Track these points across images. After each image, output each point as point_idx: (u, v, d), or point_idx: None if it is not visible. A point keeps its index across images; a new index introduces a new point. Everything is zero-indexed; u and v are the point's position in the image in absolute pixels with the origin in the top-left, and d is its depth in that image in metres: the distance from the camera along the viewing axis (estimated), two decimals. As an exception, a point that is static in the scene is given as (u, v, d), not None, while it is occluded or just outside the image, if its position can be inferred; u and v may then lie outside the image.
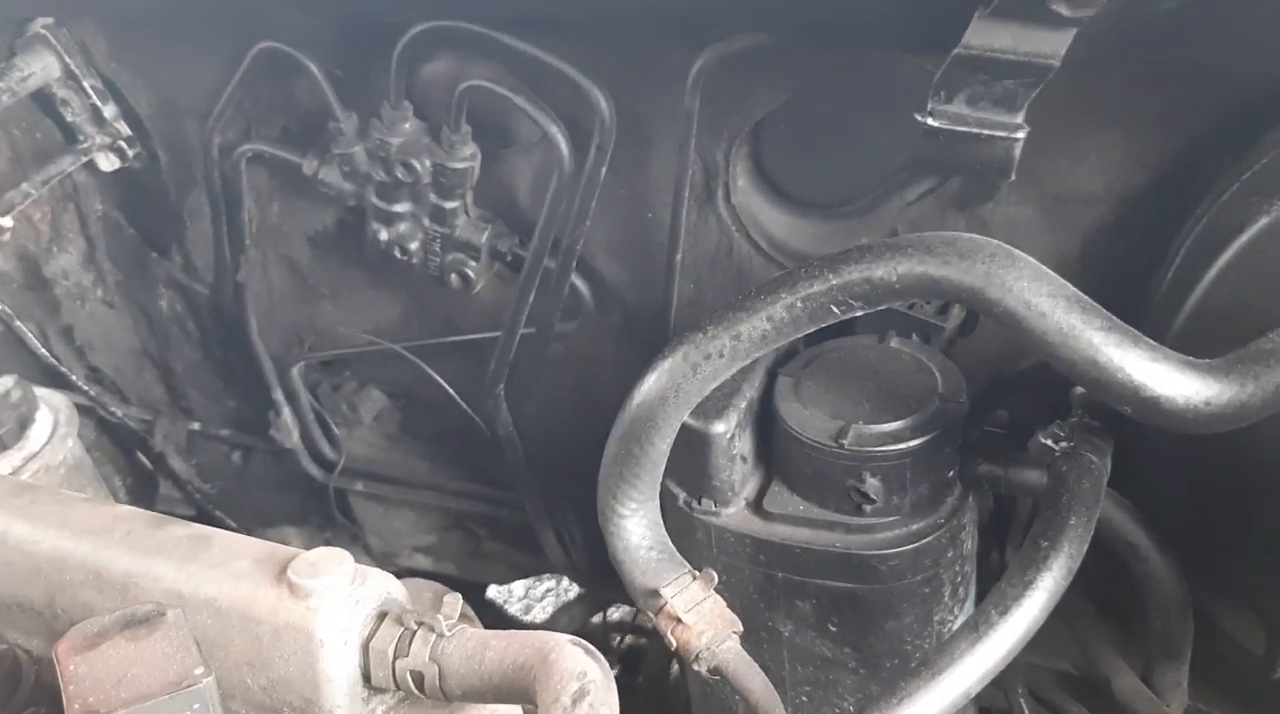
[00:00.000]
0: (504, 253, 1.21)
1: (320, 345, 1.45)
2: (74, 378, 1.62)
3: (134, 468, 1.71)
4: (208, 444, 1.65)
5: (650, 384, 0.80)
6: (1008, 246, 0.76)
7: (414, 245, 1.22)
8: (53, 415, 1.44)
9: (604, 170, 1.12)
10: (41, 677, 0.84)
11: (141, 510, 0.89)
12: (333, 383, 1.51)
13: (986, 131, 0.83)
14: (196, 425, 1.64)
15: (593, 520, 0.91)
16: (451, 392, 1.33)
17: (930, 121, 0.83)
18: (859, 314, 0.77)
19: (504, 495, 1.46)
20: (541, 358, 1.27)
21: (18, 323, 1.61)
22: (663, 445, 0.83)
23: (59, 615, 0.86)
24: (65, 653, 0.73)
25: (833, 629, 0.97)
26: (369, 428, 1.54)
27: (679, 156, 1.11)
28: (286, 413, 1.51)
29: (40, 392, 1.49)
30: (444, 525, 1.56)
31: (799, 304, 0.77)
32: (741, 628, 0.83)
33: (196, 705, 0.69)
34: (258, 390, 1.52)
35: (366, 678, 0.79)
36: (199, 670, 0.71)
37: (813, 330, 0.79)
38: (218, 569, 0.82)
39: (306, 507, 1.64)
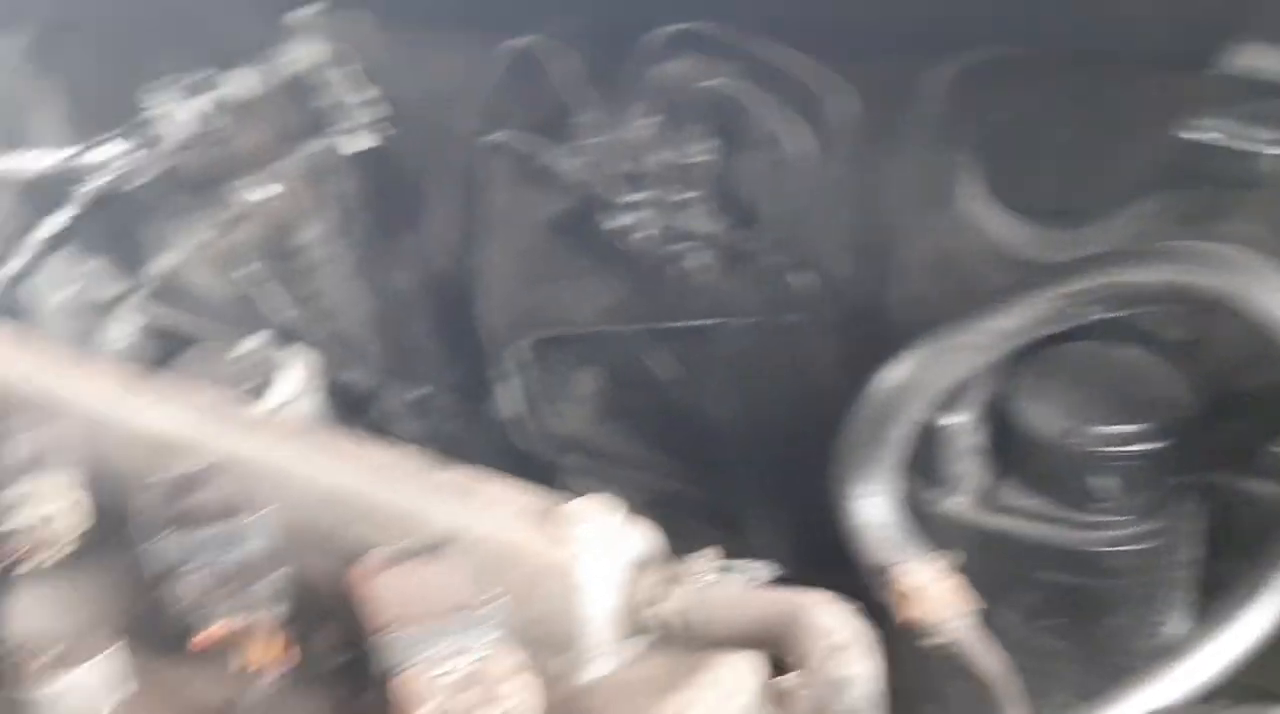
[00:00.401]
0: (732, 245, 1.27)
1: (544, 325, 1.54)
2: (312, 339, 1.75)
3: (362, 429, 1.84)
4: (432, 411, 1.76)
5: (901, 369, 0.85)
6: (1260, 257, 0.78)
7: (645, 234, 1.29)
8: (299, 373, 1.57)
9: (836, 169, 1.17)
10: (325, 600, 0.94)
11: (415, 457, 0.98)
12: (552, 361, 1.60)
13: (1247, 147, 0.85)
14: (423, 393, 1.75)
15: (799, 508, 0.96)
16: (666, 373, 1.39)
17: (1191, 135, 0.86)
18: (1110, 316, 0.80)
19: (712, 478, 1.52)
20: (760, 349, 1.32)
21: (265, 286, 1.76)
22: (904, 429, 0.88)
23: (338, 548, 0.95)
24: (362, 576, 0.82)
25: (1053, 623, 0.99)
26: (584, 405, 1.62)
27: (912, 159, 1.15)
28: (507, 386, 1.60)
29: (286, 350, 1.63)
30: (649, 503, 1.63)
31: (1054, 303, 0.80)
32: (974, 607, 0.87)
33: (487, 623, 0.77)
34: (482, 363, 1.61)
35: (622, 621, 0.86)
36: (489, 595, 0.78)
37: (1063, 329, 0.82)
38: (488, 512, 0.89)
39: (519, 476, 1.73)
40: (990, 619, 1.03)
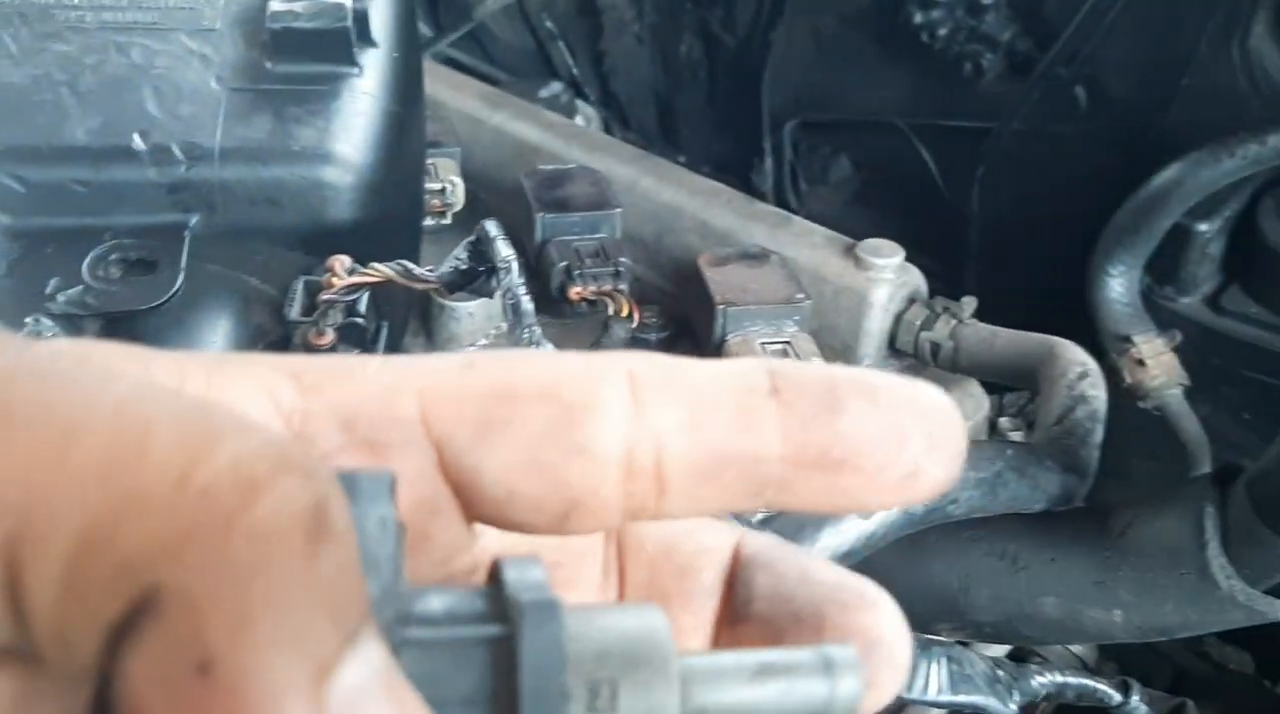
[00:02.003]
0: (1020, 51, 1.40)
1: (816, 109, 1.69)
2: (591, 96, 1.95)
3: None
4: (692, 176, 1.95)
5: (1175, 168, 0.99)
6: None
7: (942, 31, 1.42)
8: (586, 122, 1.77)
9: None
10: (645, 292, 1.15)
11: (735, 190, 1.18)
12: (812, 144, 1.76)
13: None
14: (682, 159, 1.93)
15: (1021, 308, 1.11)
16: (933, 165, 1.54)
17: None
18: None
19: (939, 271, 1.67)
20: (1024, 154, 1.46)
21: (559, 42, 1.95)
22: (1166, 223, 1.02)
23: (663, 250, 1.16)
24: (705, 263, 1.02)
25: (1246, 417, 1.15)
26: (830, 189, 1.78)
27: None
28: (769, 162, 1.77)
29: (578, 101, 1.82)
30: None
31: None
32: (1187, 382, 1.03)
33: (797, 317, 0.97)
34: (746, 139, 1.78)
35: (892, 342, 1.05)
36: (801, 295, 0.98)
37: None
38: (798, 238, 1.09)
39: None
40: (1197, 408, 1.19)
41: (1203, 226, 1.10)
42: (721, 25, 1.72)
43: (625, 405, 0.28)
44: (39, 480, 0.21)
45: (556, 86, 1.81)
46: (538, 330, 0.64)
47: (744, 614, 0.29)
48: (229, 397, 0.27)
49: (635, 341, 1.06)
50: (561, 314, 1.05)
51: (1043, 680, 0.63)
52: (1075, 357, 0.92)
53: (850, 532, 0.64)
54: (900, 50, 1.51)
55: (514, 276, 0.64)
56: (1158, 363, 1.03)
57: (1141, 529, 0.68)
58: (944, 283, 1.72)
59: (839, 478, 0.28)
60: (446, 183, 1.14)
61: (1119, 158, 1.41)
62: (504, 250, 0.66)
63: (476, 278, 0.70)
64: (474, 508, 0.28)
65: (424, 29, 2.05)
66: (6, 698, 0.22)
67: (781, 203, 1.82)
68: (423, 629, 0.24)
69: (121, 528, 0.20)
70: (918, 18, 1.40)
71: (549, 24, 1.93)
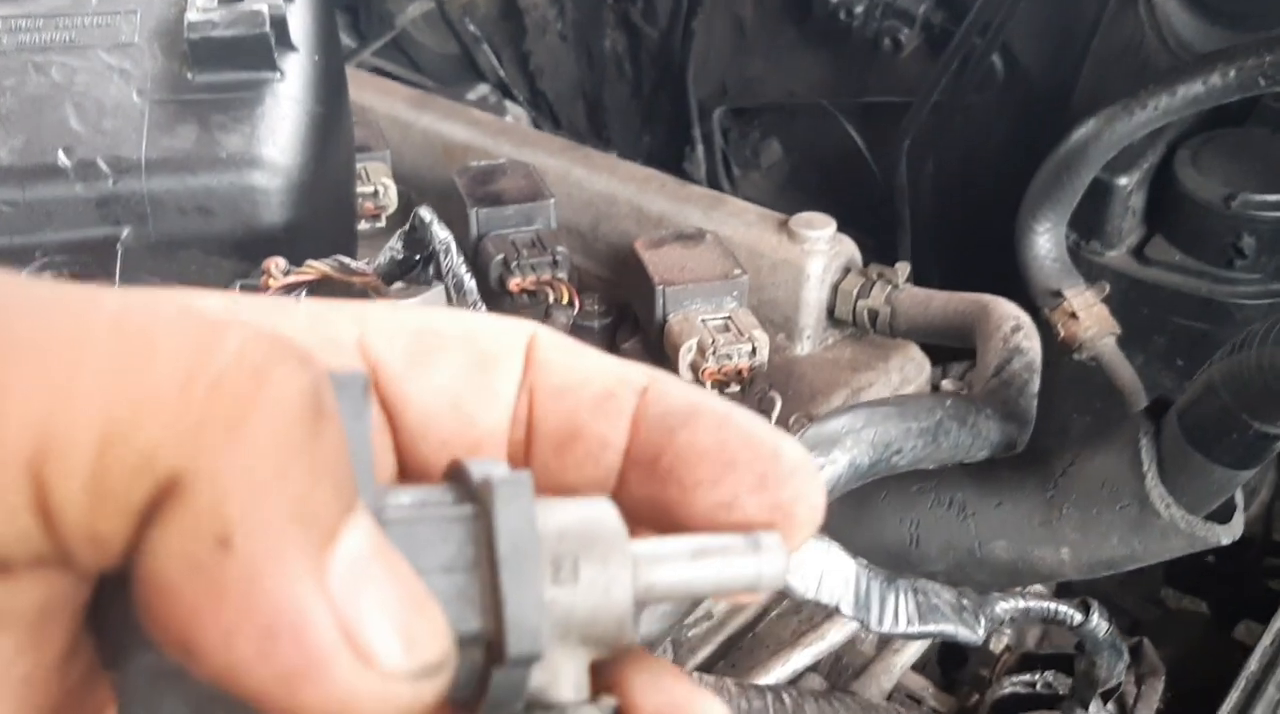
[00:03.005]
0: (935, 25, 1.42)
1: (742, 95, 1.71)
2: (519, 98, 1.95)
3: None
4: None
5: (1091, 124, 1.01)
6: None
7: (859, 9, 1.45)
8: (516, 122, 1.77)
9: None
10: (584, 280, 1.16)
11: (667, 174, 1.19)
12: (741, 130, 1.78)
13: None
14: (614, 154, 1.94)
15: (954, 275, 1.14)
16: (861, 143, 1.57)
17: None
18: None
19: (872, 246, 1.70)
20: (945, 125, 1.49)
21: (484, 45, 1.95)
22: (1086, 177, 1.05)
23: (599, 238, 1.17)
24: (641, 247, 1.03)
25: (1179, 364, 1.18)
26: (762, 174, 1.80)
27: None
28: (700, 150, 1.79)
29: (506, 102, 1.83)
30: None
31: (1232, 72, 0.95)
32: (1120, 331, 1.06)
33: (736, 292, 0.99)
34: (676, 130, 1.80)
35: (830, 311, 1.07)
36: (738, 270, 1.00)
37: (1236, 98, 0.98)
38: (732, 217, 1.10)
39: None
40: (1131, 359, 1.22)
41: (1123, 180, 1.13)
42: (643, 18, 1.73)
43: (522, 363, 0.30)
44: (54, 399, 0.22)
45: (484, 88, 1.81)
46: (482, 307, 0.64)
47: (652, 465, 0.30)
48: None
49: (577, 330, 1.06)
50: (502, 307, 1.06)
51: (1006, 606, 0.64)
52: (1008, 311, 0.94)
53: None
54: (820, 31, 1.53)
55: (454, 257, 0.65)
56: (1089, 314, 1.05)
57: (1082, 467, 0.70)
58: (878, 258, 1.74)
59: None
60: (378, 185, 1.14)
61: (1038, 123, 1.44)
62: (440, 233, 0.66)
63: (414, 267, 0.71)
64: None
65: (347, 40, 2.05)
66: (35, 606, 0.24)
67: (714, 190, 1.84)
68: (399, 513, 0.26)
69: (140, 425, 0.22)
70: (832, -3, 1.43)
71: (472, 28, 1.94)
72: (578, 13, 1.83)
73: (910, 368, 1.09)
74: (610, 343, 1.06)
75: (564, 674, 0.27)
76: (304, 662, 0.22)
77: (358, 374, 0.27)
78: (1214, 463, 0.65)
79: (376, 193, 1.14)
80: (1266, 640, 0.92)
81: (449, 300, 0.71)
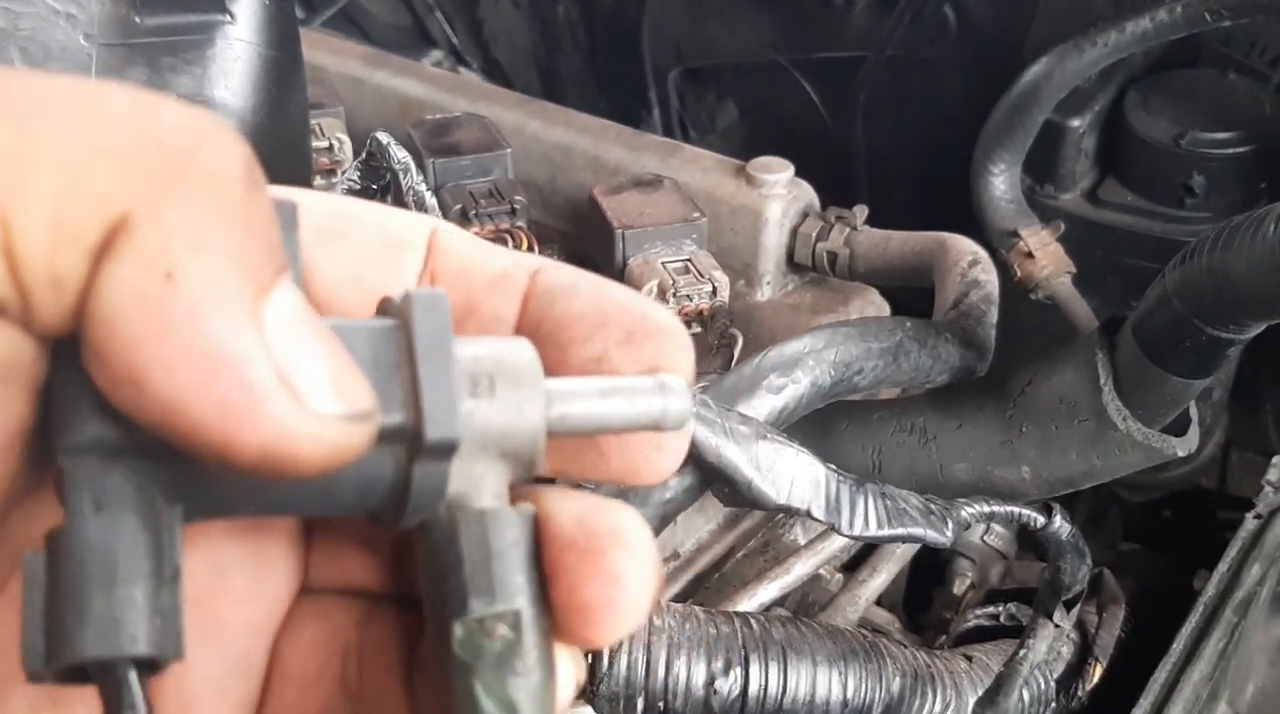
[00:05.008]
0: (886, -21, 1.43)
1: (696, 57, 1.71)
2: (473, 65, 1.94)
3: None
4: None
5: (1043, 63, 1.02)
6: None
7: (810, -34, 1.45)
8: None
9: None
10: (542, 232, 1.15)
11: (622, 125, 1.18)
12: (697, 93, 1.78)
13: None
14: (571, 117, 1.94)
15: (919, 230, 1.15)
16: (817, 100, 1.57)
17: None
18: (1226, 24, 0.97)
19: (840, 202, 1.70)
20: (900, 79, 1.49)
21: (435, 13, 1.93)
22: (1039, 117, 1.06)
23: (558, 191, 1.17)
24: (600, 193, 1.03)
25: (1133, 305, 1.19)
26: (719, 137, 1.80)
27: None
28: (656, 114, 1.79)
29: (460, 69, 1.82)
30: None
31: (1179, 8, 0.97)
32: (1075, 269, 1.07)
33: (695, 235, 0.99)
34: (631, 95, 1.79)
35: (790, 256, 1.07)
36: (696, 214, 1.00)
37: (1184, 34, 0.99)
38: (689, 164, 1.10)
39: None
40: (1086, 300, 1.23)
41: (1075, 122, 1.15)
42: (595, -20, 1.73)
43: (425, 248, 0.33)
44: (19, 151, 0.23)
45: (436, 55, 1.80)
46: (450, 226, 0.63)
47: (535, 332, 0.32)
48: None
49: (538, 279, 1.06)
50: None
51: (971, 511, 0.65)
52: (965, 247, 0.94)
53: (761, 407, 0.65)
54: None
55: (414, 176, 0.64)
56: (1045, 253, 1.06)
57: (1039, 386, 0.71)
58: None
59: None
60: (333, 139, 1.13)
61: (993, 76, 1.45)
62: (399, 154, 0.65)
63: (373, 195, 0.70)
64: None
65: (297, 11, 2.02)
66: None
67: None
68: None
69: (95, 173, 0.24)
70: (783, -48, 1.43)
71: (423, -5, 1.92)
72: (531, -23, 1.83)
73: (870, 312, 1.09)
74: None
75: (485, 483, 0.29)
76: (243, 395, 0.24)
77: (288, 201, 0.28)
78: (1169, 373, 0.66)
79: (331, 147, 1.13)
80: (1223, 567, 0.94)
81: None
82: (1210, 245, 0.62)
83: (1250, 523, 0.99)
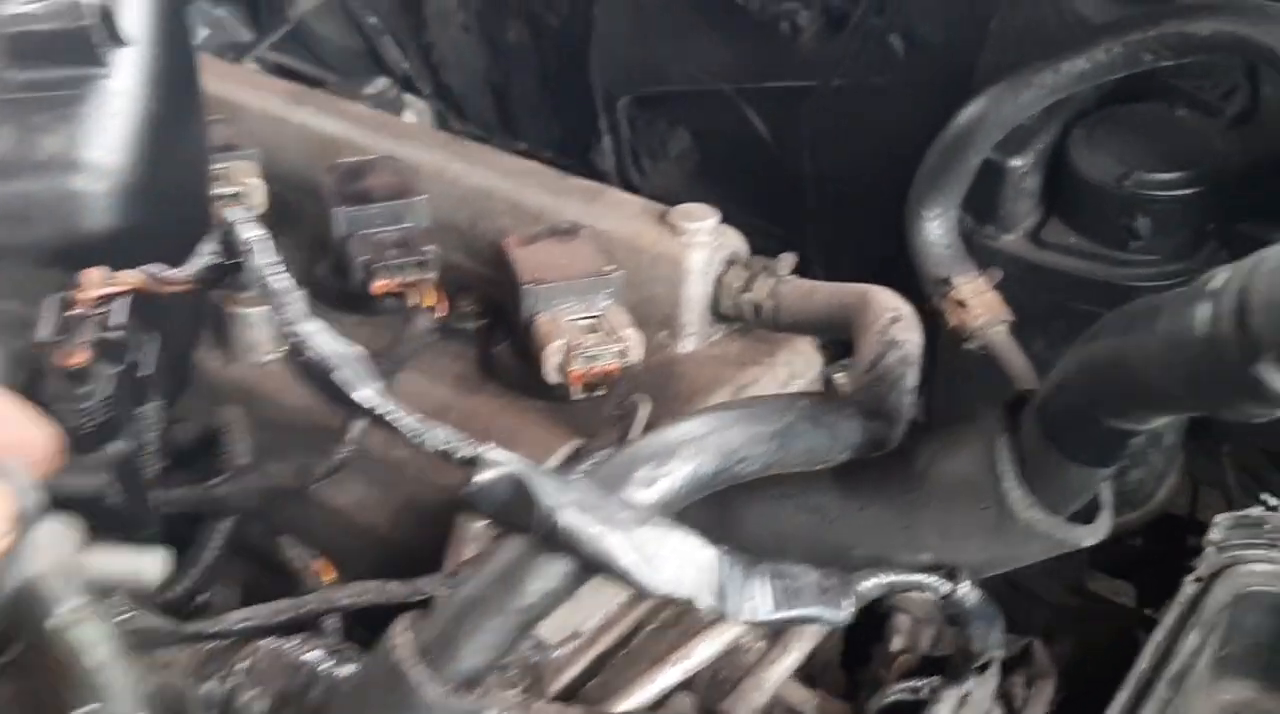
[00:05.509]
0: (834, 6, 1.38)
1: (646, 83, 1.66)
2: (424, 91, 1.89)
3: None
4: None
5: (977, 104, 0.98)
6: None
7: (754, -9, 1.41)
8: (417, 117, 1.72)
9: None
10: (462, 279, 1.11)
11: (547, 167, 1.14)
12: (648, 119, 1.73)
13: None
14: (522, 146, 1.89)
15: (864, 261, 1.10)
16: (764, 129, 1.53)
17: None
18: (1167, 64, 0.93)
19: (784, 234, 1.66)
20: (848, 108, 1.45)
21: (385, 37, 1.89)
22: (975, 160, 1.01)
23: (479, 236, 1.12)
24: (511, 244, 0.99)
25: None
26: (672, 163, 1.76)
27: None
28: (607, 141, 1.74)
29: (406, 96, 1.77)
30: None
31: (1117, 48, 0.92)
32: (1012, 318, 1.02)
33: (608, 289, 0.94)
34: (583, 119, 1.75)
35: (714, 307, 1.02)
36: (611, 266, 0.95)
37: (1123, 74, 0.95)
38: (611, 210, 1.05)
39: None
40: (1024, 347, 1.19)
41: (1016, 162, 1.10)
42: (544, 6, 1.68)
43: None
44: None
45: (382, 83, 1.75)
46: (301, 305, 0.59)
47: None
48: None
49: (450, 332, 1.02)
50: (372, 310, 1.01)
51: (869, 584, 0.61)
52: (887, 302, 0.90)
53: (634, 503, 0.61)
54: (718, 15, 1.49)
55: (258, 257, 0.60)
56: (979, 302, 1.02)
57: (941, 467, 0.66)
58: (787, 247, 1.71)
59: None
60: (242, 186, 1.09)
61: (944, 105, 1.40)
62: (248, 232, 0.61)
63: (230, 272, 0.66)
64: None
65: (246, 33, 1.98)
66: None
67: (625, 181, 1.79)
68: None
69: None
70: (728, -22, 1.39)
71: (373, 20, 1.88)
72: (480, 3, 1.78)
73: (799, 362, 1.05)
74: (485, 345, 1.01)
75: None
76: None
77: None
78: (1071, 461, 0.61)
79: (239, 195, 1.08)
80: (1159, 636, 0.90)
81: (270, 306, 0.65)
82: (1109, 330, 0.57)
83: (1189, 587, 0.95)
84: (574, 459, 0.84)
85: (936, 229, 1.03)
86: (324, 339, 0.57)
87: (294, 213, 1.15)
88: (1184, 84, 1.15)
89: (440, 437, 0.54)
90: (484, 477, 0.53)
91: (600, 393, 0.89)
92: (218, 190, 1.07)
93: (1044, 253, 1.12)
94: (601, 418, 0.87)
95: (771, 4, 1.40)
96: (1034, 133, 1.10)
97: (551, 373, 0.89)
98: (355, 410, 0.56)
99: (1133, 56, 0.92)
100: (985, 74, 1.32)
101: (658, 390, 0.96)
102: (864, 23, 1.35)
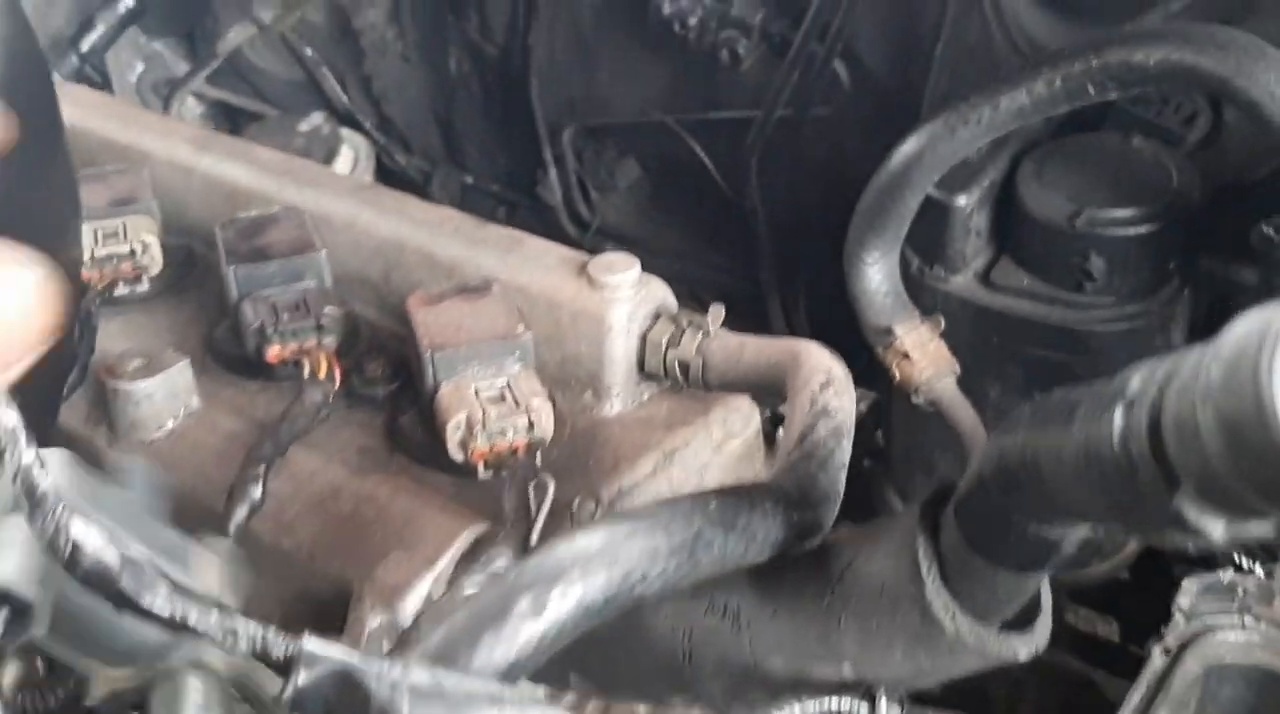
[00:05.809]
0: (774, 34, 1.32)
1: (591, 113, 1.60)
2: (366, 124, 1.83)
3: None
4: (478, 197, 1.84)
5: (911, 143, 0.91)
6: (1261, 41, 0.82)
7: (693, 20, 1.34)
8: (353, 153, 1.66)
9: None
10: (375, 337, 1.04)
11: (464, 214, 1.07)
12: (596, 150, 1.67)
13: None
14: (470, 179, 1.83)
15: (819, 293, 1.04)
16: (708, 162, 1.46)
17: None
18: (1113, 97, 0.86)
19: (740, 267, 1.60)
20: (795, 139, 1.38)
21: (324, 69, 1.82)
22: (913, 202, 0.95)
23: (393, 290, 1.05)
24: (414, 305, 0.92)
25: (1036, 395, 1.08)
26: (622, 195, 1.69)
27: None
28: (553, 173, 1.68)
29: (343, 131, 1.71)
30: (679, 293, 1.72)
31: (1058, 81, 0.86)
32: (959, 370, 0.95)
33: (518, 353, 0.87)
34: (529, 151, 1.68)
35: (641, 365, 0.95)
36: (521, 328, 0.88)
37: (1066, 109, 0.88)
38: (530, 262, 0.98)
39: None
40: (978, 392, 1.12)
41: (961, 200, 1.03)
42: (481, 35, 1.61)
43: None
44: None
45: (318, 118, 1.68)
46: (66, 516, 0.47)
47: None
48: None
49: (357, 399, 0.95)
50: (264, 379, 0.94)
51: None
52: (819, 363, 0.83)
53: (516, 638, 0.53)
54: (657, 45, 1.43)
55: (21, 451, 0.46)
56: (924, 354, 0.95)
57: (859, 570, 0.60)
58: (738, 279, 1.64)
59: None
60: (136, 244, 1.02)
61: (891, 133, 1.34)
62: (7, 420, 0.47)
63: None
64: None
65: (183, 67, 1.91)
66: None
67: (573, 215, 1.73)
68: None
69: None
70: (666, 8, 1.32)
71: (310, 52, 1.81)
72: (418, 32, 1.72)
73: (735, 421, 0.98)
74: (393, 412, 0.94)
75: None
76: None
77: None
78: (996, 566, 0.54)
79: (134, 252, 1.01)
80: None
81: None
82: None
83: (1157, 659, 0.88)
84: (474, 551, 0.77)
85: (875, 275, 0.97)
86: (99, 544, 0.47)
87: (202, 268, 1.09)
88: (1141, 111, 1.09)
89: (250, 634, 0.46)
90: (305, 678, 0.45)
91: (504, 474, 0.82)
92: (112, 249, 1.01)
93: (995, 295, 1.06)
94: (505, 501, 0.80)
95: (709, 33, 1.34)
96: (980, 168, 1.04)
97: (454, 450, 0.82)
98: (150, 618, 0.47)
99: (1076, 89, 0.85)
100: (933, 101, 1.26)
101: (580, 459, 0.89)
102: (805, 49, 1.29)
